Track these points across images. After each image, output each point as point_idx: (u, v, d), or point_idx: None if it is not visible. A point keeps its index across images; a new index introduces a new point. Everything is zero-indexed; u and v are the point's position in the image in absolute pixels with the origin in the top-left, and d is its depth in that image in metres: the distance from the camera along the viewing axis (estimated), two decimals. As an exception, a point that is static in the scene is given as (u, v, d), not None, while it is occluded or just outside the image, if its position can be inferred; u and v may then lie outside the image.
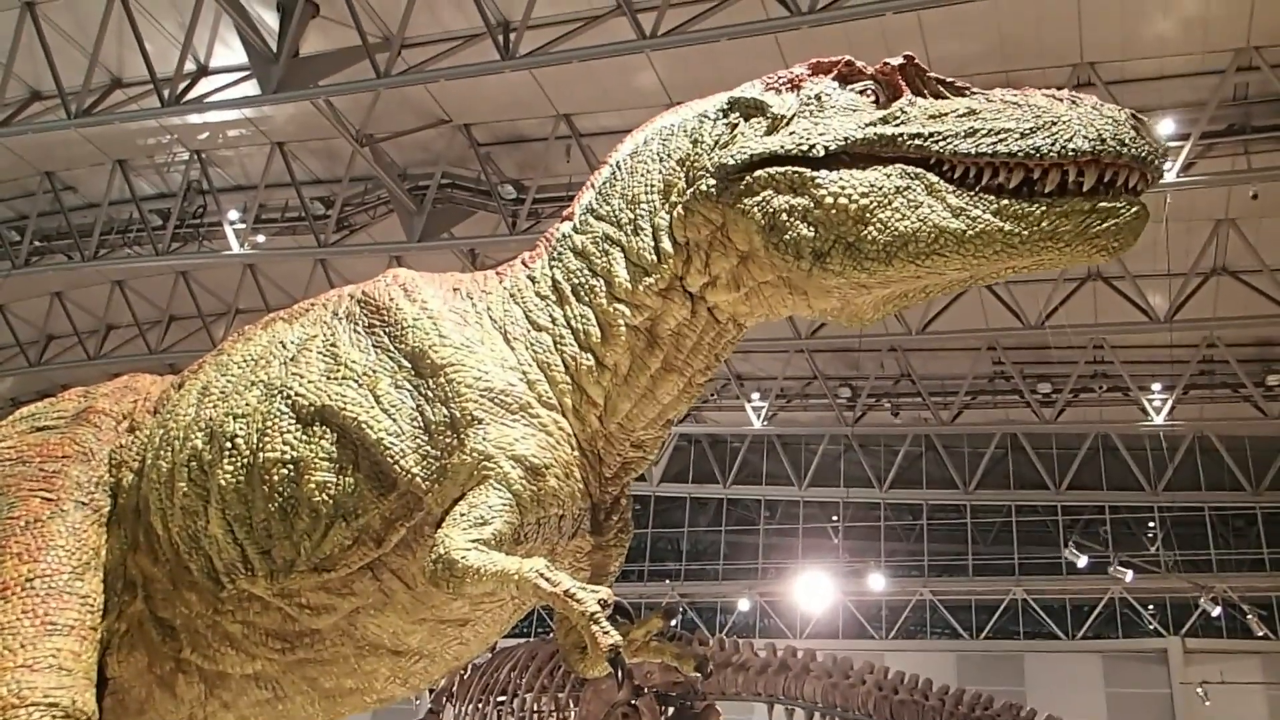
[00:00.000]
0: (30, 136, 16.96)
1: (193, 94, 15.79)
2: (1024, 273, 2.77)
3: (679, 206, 2.99)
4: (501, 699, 13.10)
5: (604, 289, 3.08)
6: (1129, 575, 21.11)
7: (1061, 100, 2.64)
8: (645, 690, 11.83)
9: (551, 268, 3.22)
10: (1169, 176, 14.58)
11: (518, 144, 17.61)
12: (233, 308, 20.91)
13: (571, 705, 12.45)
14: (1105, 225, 2.53)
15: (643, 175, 3.13)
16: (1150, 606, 24.52)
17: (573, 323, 3.11)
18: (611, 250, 3.10)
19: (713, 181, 2.91)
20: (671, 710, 12.61)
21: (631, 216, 3.09)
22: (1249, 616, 20.96)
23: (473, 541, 2.77)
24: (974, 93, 2.81)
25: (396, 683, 3.43)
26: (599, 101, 16.22)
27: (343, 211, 18.35)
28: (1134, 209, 2.55)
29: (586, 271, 3.13)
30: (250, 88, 15.47)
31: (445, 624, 3.28)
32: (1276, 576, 23.63)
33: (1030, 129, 2.58)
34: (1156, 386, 21.61)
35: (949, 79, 2.89)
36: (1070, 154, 2.52)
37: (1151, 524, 25.34)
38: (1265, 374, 20.92)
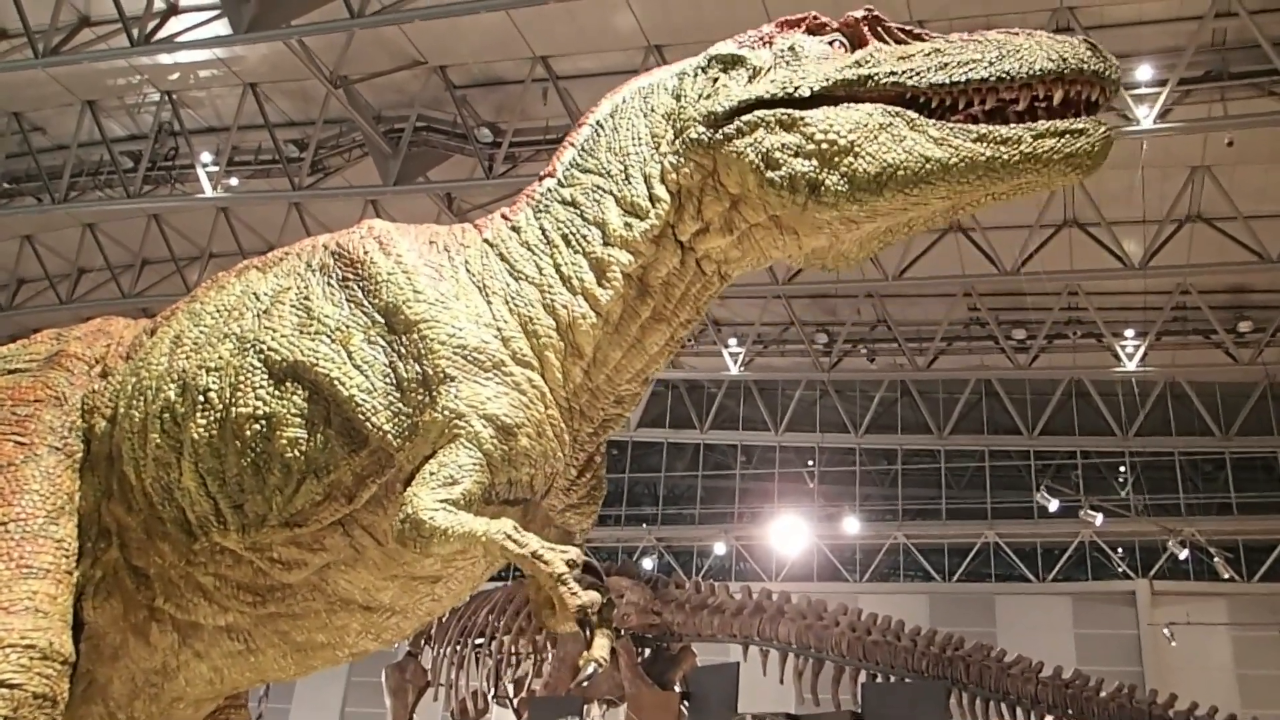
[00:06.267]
0: (-4, 76, 16.64)
1: (163, 33, 15.50)
2: (1002, 199, 2.89)
3: (669, 156, 3.04)
4: (479, 641, 13.23)
5: (598, 236, 3.08)
6: (1099, 519, 21.36)
7: (1018, 34, 2.81)
8: (621, 633, 11.97)
9: (538, 218, 3.21)
10: (1145, 123, 14.58)
11: (494, 86, 17.38)
12: (206, 251, 20.68)
13: (549, 648, 12.59)
14: (1080, 144, 2.69)
15: (628, 129, 3.16)
16: (1119, 549, 24.88)
17: (563, 269, 3.09)
18: (603, 199, 3.11)
19: (702, 128, 2.98)
20: (648, 652, 12.79)
21: (622, 167, 3.12)
22: (1215, 559, 21.27)
23: (441, 501, 2.76)
24: (933, 36, 2.94)
25: (368, 637, 3.44)
26: (576, 43, 16.00)
27: (317, 154, 18.10)
28: (1102, 129, 2.71)
29: (579, 220, 3.13)
30: (221, 27, 15.19)
31: (417, 580, 3.28)
32: (1243, 520, 23.97)
33: (996, 57, 2.74)
34: (1130, 333, 21.80)
35: (908, 27, 3.01)
36: (1037, 74, 2.70)
37: (1122, 468, 25.63)
38: (1237, 320, 21.10)
